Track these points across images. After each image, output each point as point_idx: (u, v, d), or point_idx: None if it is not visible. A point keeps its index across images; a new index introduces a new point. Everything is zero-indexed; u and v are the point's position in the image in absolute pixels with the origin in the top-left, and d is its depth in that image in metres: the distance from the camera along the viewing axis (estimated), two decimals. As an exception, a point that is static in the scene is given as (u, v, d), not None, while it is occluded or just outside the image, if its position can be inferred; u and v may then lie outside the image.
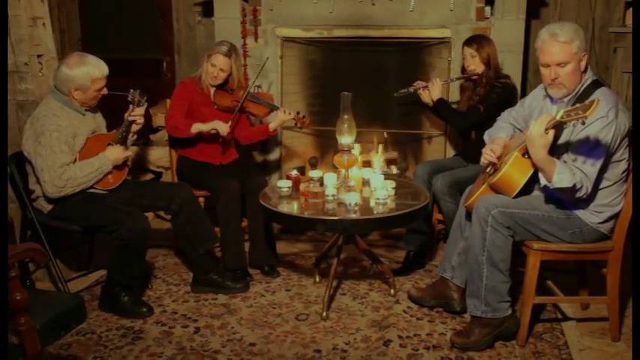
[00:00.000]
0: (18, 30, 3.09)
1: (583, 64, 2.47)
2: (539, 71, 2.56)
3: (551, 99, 2.60)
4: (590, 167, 2.37)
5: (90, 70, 2.87)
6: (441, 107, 3.48)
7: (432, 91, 3.49)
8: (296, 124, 3.58)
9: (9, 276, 1.73)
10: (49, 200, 2.90)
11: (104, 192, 2.99)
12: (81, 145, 2.92)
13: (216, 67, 3.36)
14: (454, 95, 3.85)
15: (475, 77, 3.44)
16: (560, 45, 2.42)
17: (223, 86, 3.46)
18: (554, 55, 2.43)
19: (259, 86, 4.05)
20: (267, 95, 3.68)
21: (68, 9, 5.17)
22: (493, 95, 3.33)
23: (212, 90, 3.45)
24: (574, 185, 2.32)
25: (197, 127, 3.29)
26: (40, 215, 2.95)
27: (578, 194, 2.37)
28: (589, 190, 2.38)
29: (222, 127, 3.29)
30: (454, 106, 3.63)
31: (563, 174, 2.32)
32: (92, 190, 2.94)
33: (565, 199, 2.48)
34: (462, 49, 3.49)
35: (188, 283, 3.23)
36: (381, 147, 4.20)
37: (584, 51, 2.47)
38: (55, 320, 1.94)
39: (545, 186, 2.41)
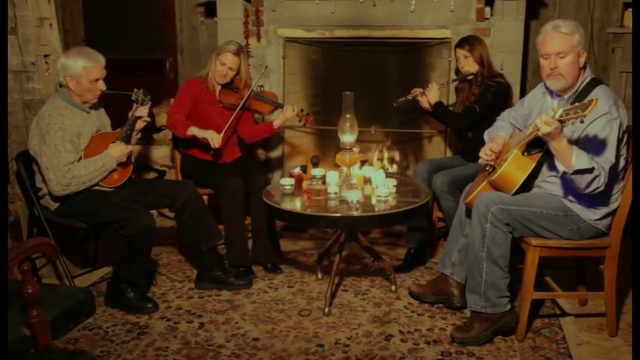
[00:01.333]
0: (25, 30, 3.14)
1: (582, 60, 2.52)
2: (539, 69, 2.61)
3: (551, 93, 2.64)
4: (603, 159, 2.38)
5: (84, 59, 2.90)
6: (438, 110, 3.53)
7: (429, 96, 3.54)
8: (300, 120, 3.63)
9: (22, 269, 1.78)
10: (55, 198, 2.93)
11: (110, 189, 3.03)
12: (86, 143, 2.96)
13: (225, 66, 3.40)
14: (454, 97, 3.89)
15: (470, 77, 3.49)
16: (561, 35, 2.48)
17: (228, 85, 3.51)
18: (555, 45, 2.48)
19: (262, 86, 4.10)
20: (271, 93, 3.73)
21: (72, 10, 5.21)
22: (488, 95, 3.37)
23: (217, 89, 3.50)
24: (593, 168, 2.32)
25: (192, 131, 3.31)
26: (47, 212, 3.00)
27: (596, 183, 2.36)
28: (605, 181, 2.37)
29: (215, 139, 3.31)
30: (451, 107, 3.68)
31: (581, 156, 2.33)
32: (98, 188, 2.99)
33: (578, 190, 2.44)
34: (455, 51, 3.55)
35: (192, 280, 3.27)
36: (384, 146, 4.25)
37: (584, 47, 2.52)
38: (65, 313, 1.98)
39: (563, 174, 2.39)
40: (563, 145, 2.34)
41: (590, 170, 2.33)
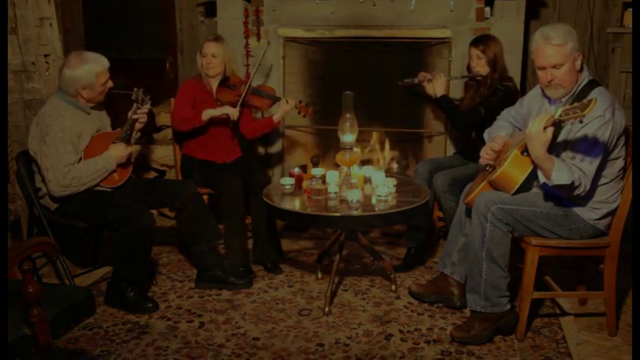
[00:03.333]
0: (26, 30, 3.15)
1: (578, 63, 2.52)
2: (536, 73, 2.61)
3: (549, 99, 2.65)
4: (589, 165, 2.41)
5: (92, 67, 2.90)
6: (443, 103, 3.53)
7: (435, 86, 3.53)
8: (299, 112, 3.64)
9: (22, 269, 1.78)
10: (55, 198, 2.93)
11: (110, 189, 3.03)
12: (86, 144, 2.96)
13: (207, 55, 3.43)
14: (455, 92, 3.89)
15: (479, 78, 3.48)
16: (553, 48, 2.46)
17: (225, 83, 3.52)
18: (549, 57, 2.48)
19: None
20: (268, 88, 3.74)
21: (72, 9, 5.21)
22: (495, 98, 3.35)
23: (214, 87, 3.51)
24: (572, 182, 2.36)
25: (208, 113, 3.35)
26: (47, 212, 3.00)
27: (577, 192, 2.41)
28: (587, 188, 2.42)
29: (233, 112, 3.37)
30: (456, 102, 3.67)
31: (561, 171, 2.36)
32: (98, 188, 2.99)
33: (563, 197, 2.53)
34: (469, 48, 3.51)
35: (192, 280, 3.28)
36: (387, 144, 4.25)
37: (578, 51, 2.51)
38: (66, 313, 1.98)
39: (544, 183, 2.44)
40: (542, 156, 2.36)
41: (570, 185, 2.36)
